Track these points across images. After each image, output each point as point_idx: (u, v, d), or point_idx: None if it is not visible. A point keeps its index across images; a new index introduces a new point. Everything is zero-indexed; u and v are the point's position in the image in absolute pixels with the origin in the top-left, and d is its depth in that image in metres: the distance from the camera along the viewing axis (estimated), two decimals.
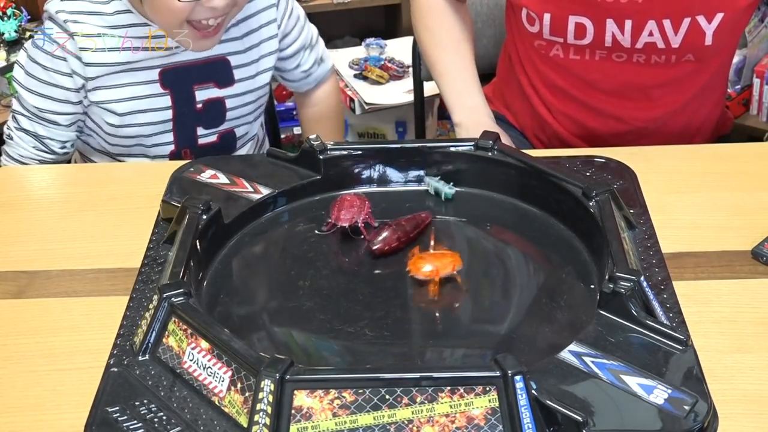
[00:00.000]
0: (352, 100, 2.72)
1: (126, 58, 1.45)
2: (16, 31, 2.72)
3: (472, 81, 1.57)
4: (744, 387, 0.93)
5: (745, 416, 0.89)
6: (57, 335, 1.04)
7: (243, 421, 0.85)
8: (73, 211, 1.29)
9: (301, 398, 0.84)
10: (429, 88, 2.01)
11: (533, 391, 0.84)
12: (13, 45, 2.71)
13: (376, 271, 1.11)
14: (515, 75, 1.61)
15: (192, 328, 0.93)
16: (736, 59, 2.50)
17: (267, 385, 0.84)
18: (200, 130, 1.55)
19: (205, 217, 1.11)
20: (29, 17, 2.84)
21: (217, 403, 0.88)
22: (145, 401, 0.89)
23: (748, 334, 1.00)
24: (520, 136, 1.67)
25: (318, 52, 1.70)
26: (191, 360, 0.92)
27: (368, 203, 1.17)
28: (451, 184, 1.22)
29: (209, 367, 0.90)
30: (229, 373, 0.88)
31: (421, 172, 1.25)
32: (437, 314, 1.05)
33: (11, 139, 1.53)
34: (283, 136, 2.52)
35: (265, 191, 1.21)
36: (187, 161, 1.30)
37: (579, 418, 0.82)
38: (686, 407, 0.84)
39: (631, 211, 1.16)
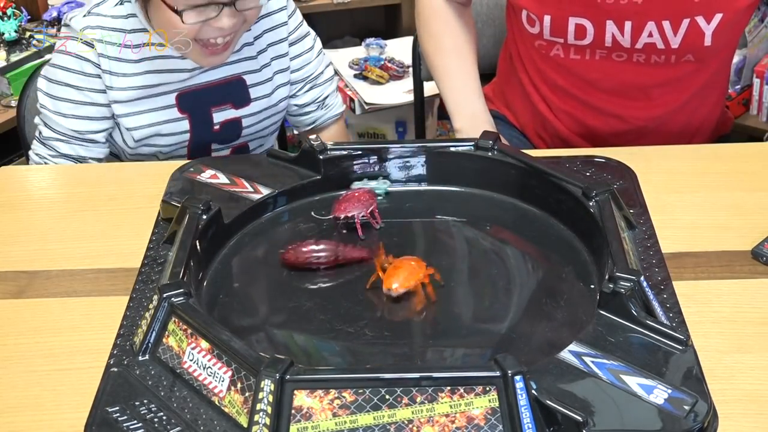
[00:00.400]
0: (352, 100, 2.72)
1: (143, 82, 1.44)
2: (16, 31, 2.72)
3: (473, 87, 1.57)
4: (744, 387, 0.93)
5: (745, 416, 0.89)
6: (57, 335, 1.04)
7: (243, 421, 0.85)
8: (73, 211, 1.29)
9: (301, 398, 0.84)
10: (429, 88, 2.01)
11: (533, 391, 0.84)
12: (13, 45, 2.71)
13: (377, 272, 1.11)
14: (516, 74, 1.61)
15: (192, 328, 0.93)
16: (736, 59, 2.50)
17: (267, 385, 0.84)
18: (214, 146, 1.55)
19: (205, 217, 1.11)
20: (29, 17, 2.84)
21: (217, 403, 0.88)
22: (145, 401, 0.89)
23: (748, 334, 1.00)
24: (521, 135, 1.67)
25: (322, 93, 1.63)
26: (191, 360, 0.92)
27: (374, 202, 1.16)
28: (381, 178, 1.22)
29: (209, 367, 0.90)
30: (229, 373, 0.88)
31: (422, 172, 1.25)
32: (437, 314, 1.05)
33: (46, 163, 1.50)
34: None
35: (265, 191, 1.21)
36: (188, 161, 1.30)
37: (579, 418, 0.82)
38: (686, 407, 0.84)
39: (631, 211, 1.16)
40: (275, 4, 1.51)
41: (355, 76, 2.82)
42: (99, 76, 1.43)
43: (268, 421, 0.83)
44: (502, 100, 1.71)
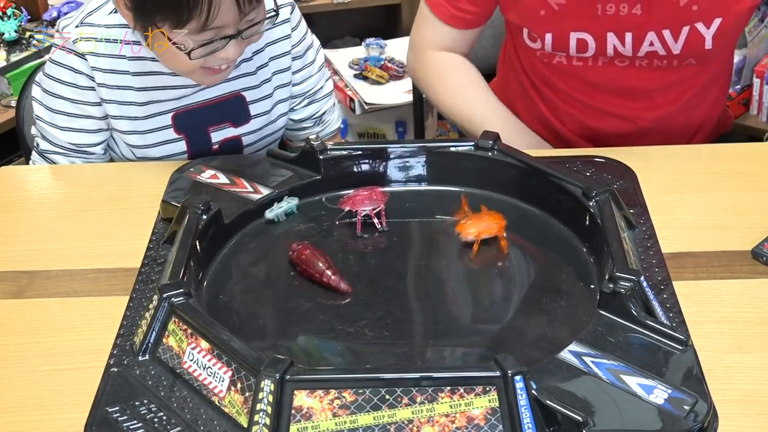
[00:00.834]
0: (352, 100, 2.72)
1: (138, 98, 1.40)
2: (16, 31, 2.72)
3: (513, 121, 1.57)
4: (744, 387, 0.93)
5: (745, 416, 0.89)
6: (57, 335, 1.04)
7: (243, 421, 0.85)
8: (73, 211, 1.29)
9: (301, 398, 0.84)
10: None
11: (533, 391, 0.84)
12: (13, 45, 2.71)
13: (377, 271, 1.11)
14: (516, 77, 1.61)
15: (192, 328, 0.93)
16: (736, 59, 2.50)
17: (267, 385, 0.84)
18: None
19: (205, 217, 1.11)
20: (29, 17, 2.84)
21: (217, 403, 0.88)
22: (145, 401, 0.89)
23: (748, 334, 1.00)
24: None
25: (320, 108, 1.58)
26: (191, 360, 0.92)
27: (382, 204, 1.16)
28: (287, 198, 1.19)
29: (209, 367, 0.90)
30: (229, 373, 0.88)
31: (422, 172, 1.25)
32: (437, 314, 1.05)
33: None
34: None
35: (265, 191, 1.21)
36: (187, 161, 1.30)
37: (579, 418, 0.82)
38: (686, 407, 0.84)
39: (631, 211, 1.16)
40: (279, 17, 1.42)
41: (355, 76, 2.81)
42: (93, 89, 1.39)
43: (268, 421, 0.83)
44: (504, 100, 1.71)
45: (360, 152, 1.25)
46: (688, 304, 1.02)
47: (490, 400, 0.84)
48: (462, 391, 0.84)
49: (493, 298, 1.08)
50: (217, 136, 1.46)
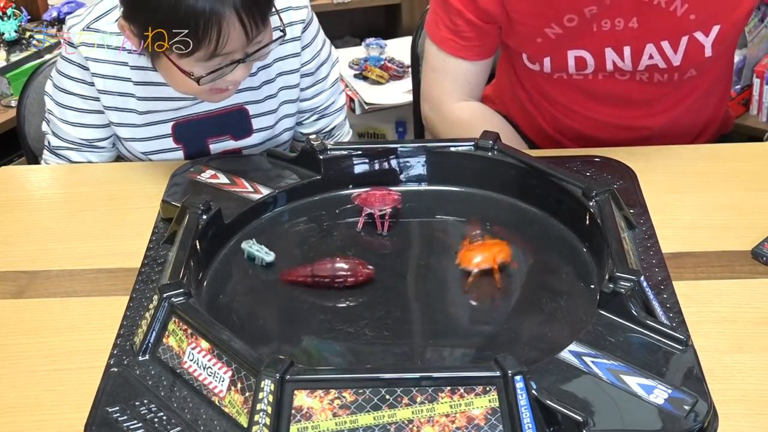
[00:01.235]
0: (352, 100, 2.72)
1: (139, 107, 1.39)
2: (16, 31, 2.72)
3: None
4: (744, 387, 0.93)
5: (745, 416, 0.89)
6: (57, 335, 1.04)
7: (243, 421, 0.85)
8: (73, 211, 1.29)
9: (301, 398, 0.84)
10: None
11: (533, 391, 0.84)
12: (13, 45, 2.71)
13: (377, 271, 1.11)
14: (515, 91, 1.60)
15: (192, 328, 0.93)
16: (736, 59, 2.50)
17: (267, 385, 0.84)
18: None
19: (205, 217, 1.11)
20: (29, 17, 2.84)
21: (217, 403, 0.88)
22: (145, 401, 0.89)
23: (748, 334, 1.00)
24: (525, 138, 1.66)
25: (330, 123, 1.56)
26: (191, 360, 0.92)
27: (388, 209, 1.16)
28: (265, 249, 1.13)
29: (209, 367, 0.90)
30: (229, 373, 0.88)
31: (423, 172, 1.25)
32: (437, 314, 1.05)
33: None
34: None
35: (265, 191, 1.21)
36: (187, 161, 1.30)
37: (579, 418, 0.82)
38: (686, 407, 0.84)
39: (631, 211, 1.16)
40: (288, 35, 1.39)
41: (355, 76, 2.81)
42: (92, 84, 1.39)
43: (268, 421, 0.83)
44: (503, 105, 1.70)
45: (360, 152, 1.25)
46: (688, 304, 1.02)
47: (490, 400, 0.84)
48: (462, 391, 0.84)
49: (493, 298, 1.08)
50: (216, 147, 1.45)
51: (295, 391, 0.84)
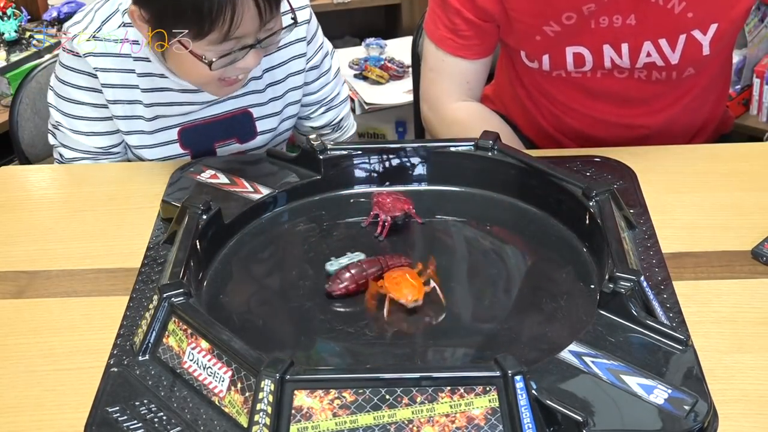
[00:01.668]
0: (352, 100, 2.72)
1: (145, 113, 1.39)
2: (16, 31, 2.72)
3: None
4: (744, 387, 0.93)
5: (745, 416, 0.89)
6: (57, 335, 1.04)
7: (243, 421, 0.85)
8: (73, 211, 1.29)
9: (301, 398, 0.84)
10: None
11: (533, 391, 0.84)
12: (13, 45, 2.71)
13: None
14: (514, 89, 1.60)
15: (192, 328, 0.93)
16: (736, 59, 2.50)
17: (267, 385, 0.84)
18: None
19: (205, 217, 1.11)
20: (29, 17, 2.84)
21: (217, 403, 0.88)
22: (145, 401, 0.89)
23: (748, 334, 1.00)
24: (523, 135, 1.66)
25: (338, 115, 1.58)
26: (191, 360, 0.92)
27: (390, 219, 1.16)
28: (348, 255, 1.12)
29: (209, 367, 0.90)
30: (229, 373, 0.88)
31: (423, 172, 1.25)
32: (437, 314, 1.05)
33: None
34: None
35: (265, 191, 1.21)
36: (188, 161, 1.30)
37: (579, 418, 0.82)
38: (686, 407, 0.84)
39: (631, 211, 1.16)
40: (293, 35, 1.42)
41: (355, 76, 2.81)
42: (101, 91, 1.38)
43: (268, 421, 0.83)
44: (502, 105, 1.70)
45: (360, 152, 1.25)
46: (688, 304, 1.02)
47: (490, 400, 0.84)
48: (462, 391, 0.84)
49: (493, 298, 1.08)
50: (223, 151, 1.46)
51: (295, 391, 0.84)
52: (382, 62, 2.84)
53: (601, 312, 0.96)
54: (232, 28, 1.18)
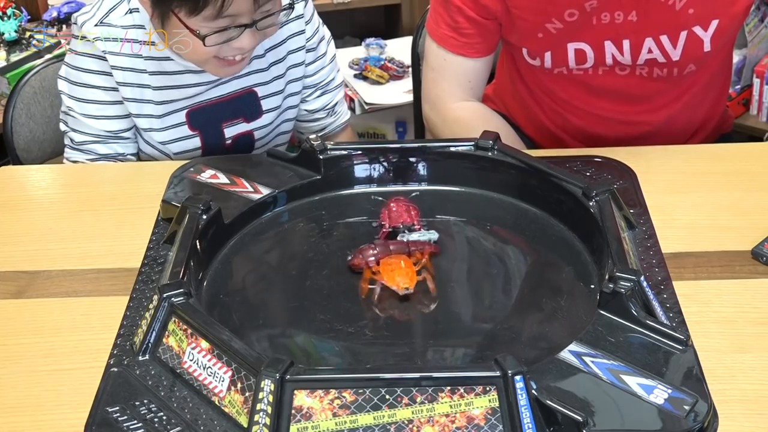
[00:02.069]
0: (352, 100, 2.72)
1: (154, 97, 1.42)
2: (16, 31, 2.72)
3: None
4: (744, 387, 0.93)
5: (745, 416, 0.89)
6: (57, 335, 1.04)
7: (243, 421, 0.85)
8: (73, 211, 1.29)
9: (301, 398, 0.84)
10: None
11: (533, 391, 0.84)
12: (13, 45, 2.70)
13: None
14: (515, 86, 1.60)
15: (192, 328, 0.93)
16: (736, 59, 2.50)
17: (267, 385, 0.84)
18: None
19: (205, 217, 1.11)
20: (29, 17, 2.84)
21: (217, 403, 0.88)
22: (145, 401, 0.89)
23: (748, 334, 1.00)
24: (523, 135, 1.66)
25: (332, 99, 1.61)
26: (191, 360, 0.92)
27: (388, 229, 1.16)
28: (425, 229, 1.16)
29: (209, 367, 0.90)
30: (229, 373, 0.88)
31: (423, 172, 1.25)
32: (437, 314, 1.05)
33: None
34: None
35: (265, 191, 1.21)
36: (188, 161, 1.30)
37: (579, 418, 0.82)
38: (686, 407, 0.84)
39: (631, 211, 1.16)
40: (292, 13, 1.45)
41: (355, 76, 2.81)
42: (111, 74, 1.42)
43: (268, 421, 0.83)
44: (503, 104, 1.70)
45: (360, 152, 1.25)
46: (688, 304, 1.02)
47: (490, 400, 0.84)
48: (462, 391, 0.84)
49: (493, 298, 1.08)
50: (231, 131, 1.50)
51: (295, 391, 0.84)
52: (382, 62, 2.84)
53: (601, 312, 0.96)
54: (225, 4, 1.23)
